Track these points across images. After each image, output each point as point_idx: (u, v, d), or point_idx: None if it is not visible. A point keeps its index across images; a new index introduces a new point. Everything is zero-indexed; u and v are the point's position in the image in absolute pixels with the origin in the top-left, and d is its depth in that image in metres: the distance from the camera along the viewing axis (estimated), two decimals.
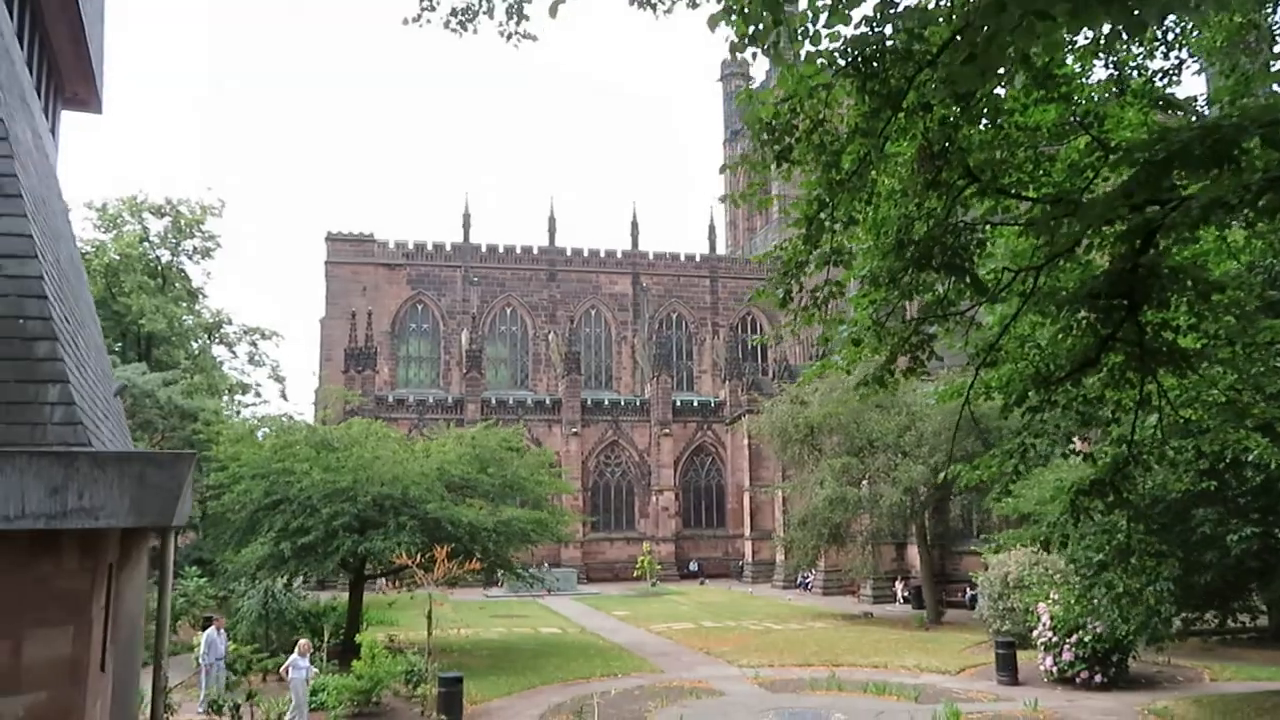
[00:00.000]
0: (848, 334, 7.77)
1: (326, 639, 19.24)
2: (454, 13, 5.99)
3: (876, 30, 5.83)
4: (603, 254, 65.75)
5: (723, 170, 7.10)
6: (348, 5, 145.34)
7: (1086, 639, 19.13)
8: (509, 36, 6.17)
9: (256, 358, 40.07)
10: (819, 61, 5.61)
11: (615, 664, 23.34)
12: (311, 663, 16.45)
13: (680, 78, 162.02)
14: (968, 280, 7.83)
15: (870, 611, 35.24)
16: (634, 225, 66.56)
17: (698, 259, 67.19)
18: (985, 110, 7.62)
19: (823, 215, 6.56)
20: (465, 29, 6.08)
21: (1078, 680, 19.32)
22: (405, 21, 6.17)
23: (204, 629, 17.95)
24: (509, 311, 64.29)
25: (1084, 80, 8.11)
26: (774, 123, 5.95)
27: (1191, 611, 15.38)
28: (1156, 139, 6.35)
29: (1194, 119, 8.75)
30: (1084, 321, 8.69)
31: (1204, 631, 19.99)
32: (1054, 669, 19.80)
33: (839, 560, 39.33)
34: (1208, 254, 9.25)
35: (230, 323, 39.78)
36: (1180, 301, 8.34)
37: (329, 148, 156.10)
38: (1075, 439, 10.50)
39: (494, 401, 56.43)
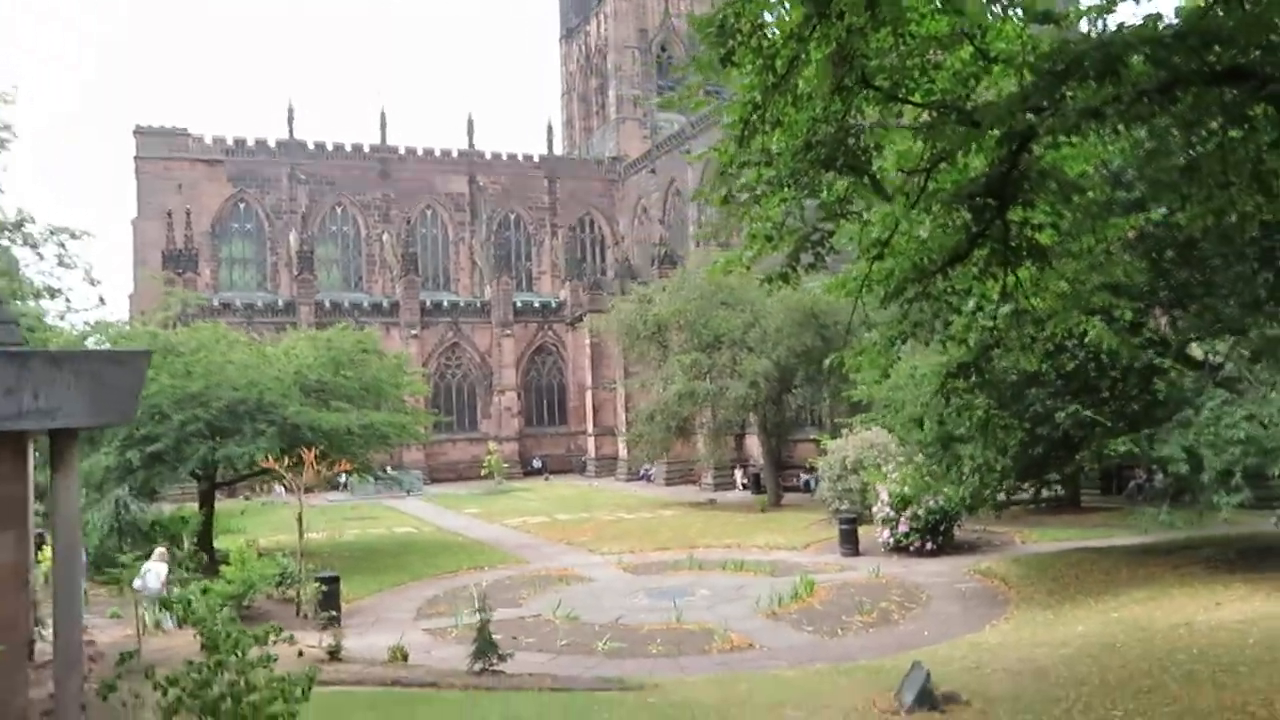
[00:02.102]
0: (760, 231, 8.18)
1: (186, 548, 18.73)
2: None
3: None
4: (438, 152, 63.77)
5: (678, 70, 7.26)
6: None
7: (920, 512, 21.04)
8: None
9: (66, 260, 36.96)
10: None
11: (479, 558, 23.86)
12: (170, 571, 16.09)
13: None
14: (867, 180, 8.39)
15: (714, 498, 37.11)
16: (469, 123, 64.81)
17: (535, 159, 66.23)
18: (888, 19, 8.07)
19: (754, 118, 6.88)
20: None
21: (911, 549, 21.29)
22: None
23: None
24: (340, 211, 61.74)
25: None
26: (722, 25, 6.17)
27: (1022, 481, 17.22)
28: (1055, 52, 6.94)
29: (1064, 33, 9.51)
30: (958, 220, 9.47)
31: (1017, 501, 22.32)
32: (891, 540, 21.70)
33: (682, 452, 40.99)
34: (1065, 158, 10.16)
35: (33, 221, 36.41)
36: (1044, 201, 9.22)
37: (138, 40, 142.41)
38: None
39: (328, 304, 54.54)
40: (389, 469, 42.03)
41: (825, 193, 8.65)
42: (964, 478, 13.68)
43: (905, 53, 8.84)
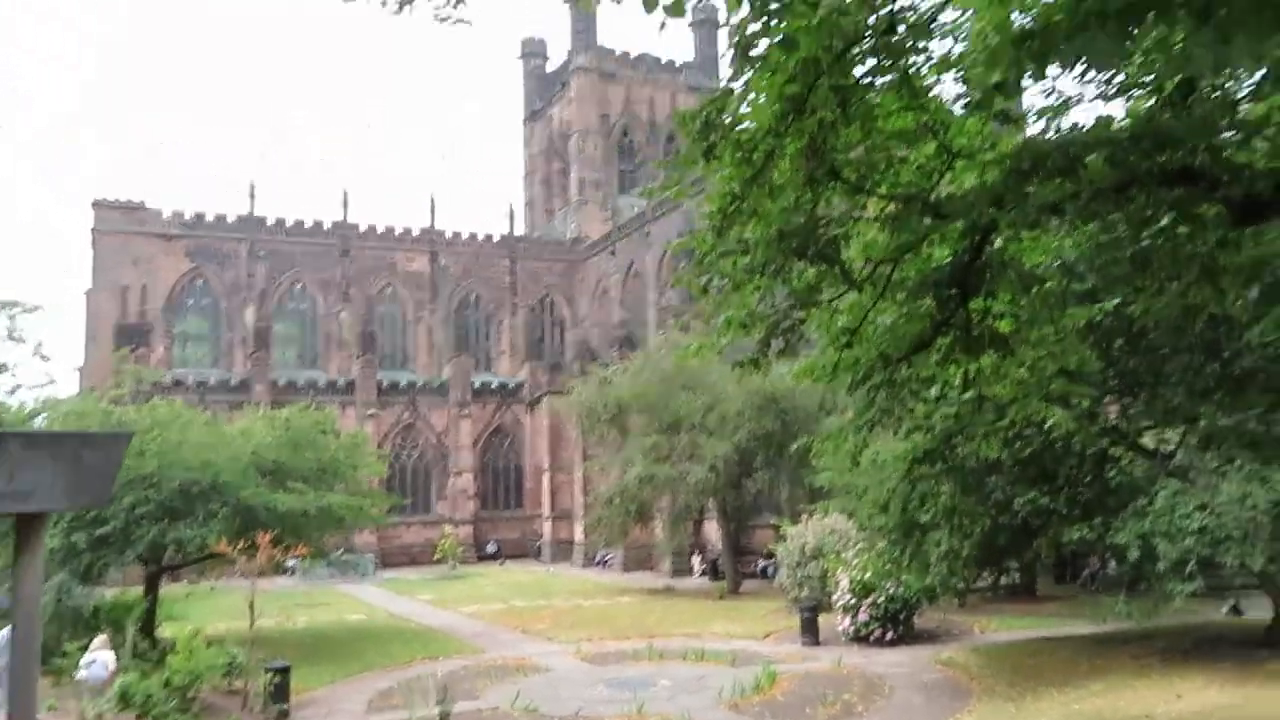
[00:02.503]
0: (734, 317, 8.33)
1: (130, 636, 18.05)
2: None
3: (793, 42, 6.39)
4: (399, 231, 64.02)
5: (659, 165, 7.47)
6: None
7: (881, 600, 20.97)
8: (444, 19, 6.26)
9: (16, 334, 36.28)
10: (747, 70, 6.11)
11: (434, 647, 23.25)
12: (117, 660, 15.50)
13: (477, 56, 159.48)
14: (837, 270, 8.61)
15: (671, 585, 36.69)
16: (432, 203, 65.80)
17: (497, 238, 66.72)
18: (857, 115, 8.40)
19: (732, 209, 7.07)
20: (401, 9, 6.10)
21: (872, 639, 21.14)
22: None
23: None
24: (299, 288, 61.44)
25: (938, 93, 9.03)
26: (705, 121, 6.39)
27: (983, 568, 17.31)
28: (1022, 150, 7.26)
29: (1021, 133, 9.96)
30: (923, 308, 9.73)
31: (976, 589, 22.39)
32: (851, 629, 21.54)
33: (640, 537, 40.63)
34: (1024, 250, 10.53)
35: None
36: (1005, 291, 9.53)
37: (102, 114, 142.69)
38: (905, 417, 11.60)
39: (283, 382, 53.92)
40: (341, 552, 41.08)
41: (796, 280, 8.86)
42: (931, 565, 13.75)
43: (872, 147, 9.18)
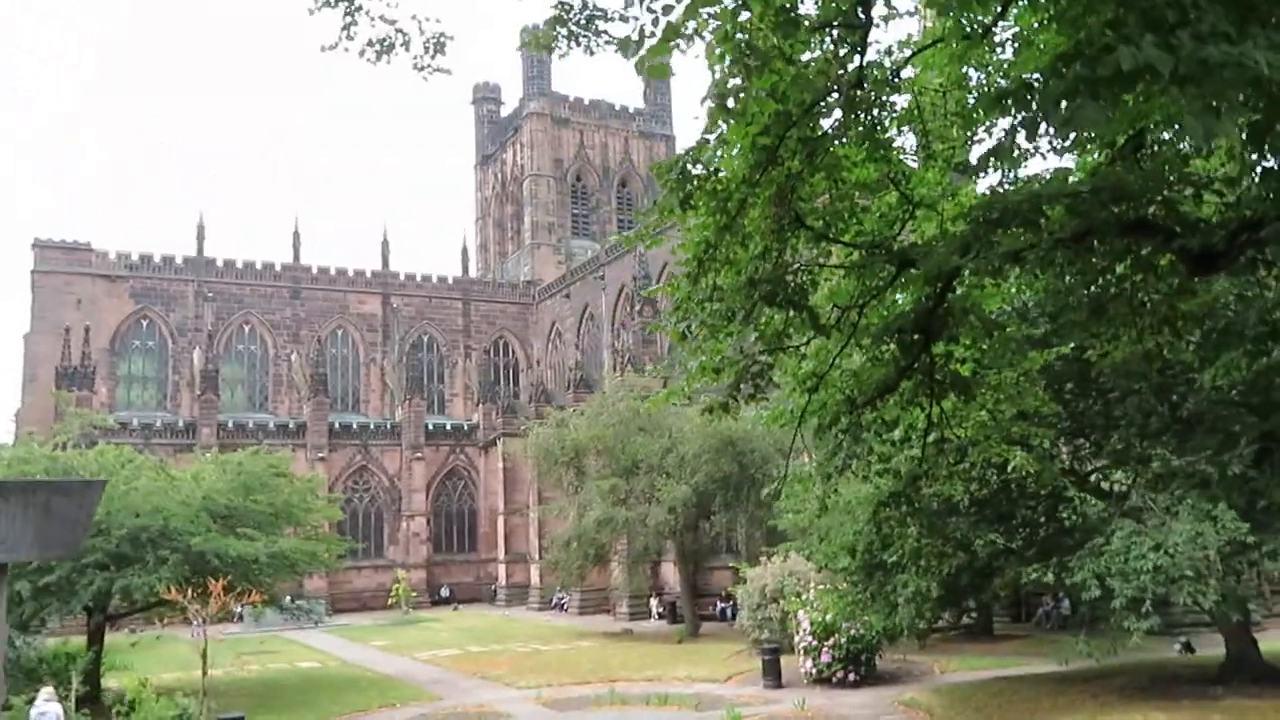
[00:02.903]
0: (707, 363, 8.42)
1: (75, 687, 17.44)
2: (370, 43, 6.05)
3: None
4: (351, 273, 63.58)
5: (641, 214, 7.56)
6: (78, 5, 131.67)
7: (843, 641, 20.99)
8: (422, 69, 6.31)
9: None
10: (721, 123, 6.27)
11: (391, 694, 22.77)
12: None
13: (430, 100, 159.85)
14: (805, 316, 8.76)
15: (630, 629, 36.38)
16: (384, 245, 64.92)
17: (450, 281, 66.54)
18: (823, 165, 8.60)
19: (706, 256, 7.18)
20: (380, 59, 6.14)
21: (834, 680, 21.13)
22: (322, 49, 6.13)
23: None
24: (248, 330, 60.58)
25: (900, 145, 9.29)
26: (683, 172, 6.51)
27: (946, 609, 17.44)
28: (991, 201, 7.49)
29: (976, 183, 10.29)
30: (887, 353, 9.91)
31: (936, 629, 22.51)
32: (813, 670, 21.51)
33: (597, 580, 40.30)
34: (985, 296, 10.79)
35: None
36: (966, 336, 9.76)
37: (46, 151, 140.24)
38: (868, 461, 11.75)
39: (231, 425, 52.98)
40: (291, 599, 40.14)
41: (765, 326, 8.98)
42: (900, 606, 13.85)
43: (837, 196, 9.38)
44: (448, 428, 59.00)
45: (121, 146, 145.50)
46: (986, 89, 9.85)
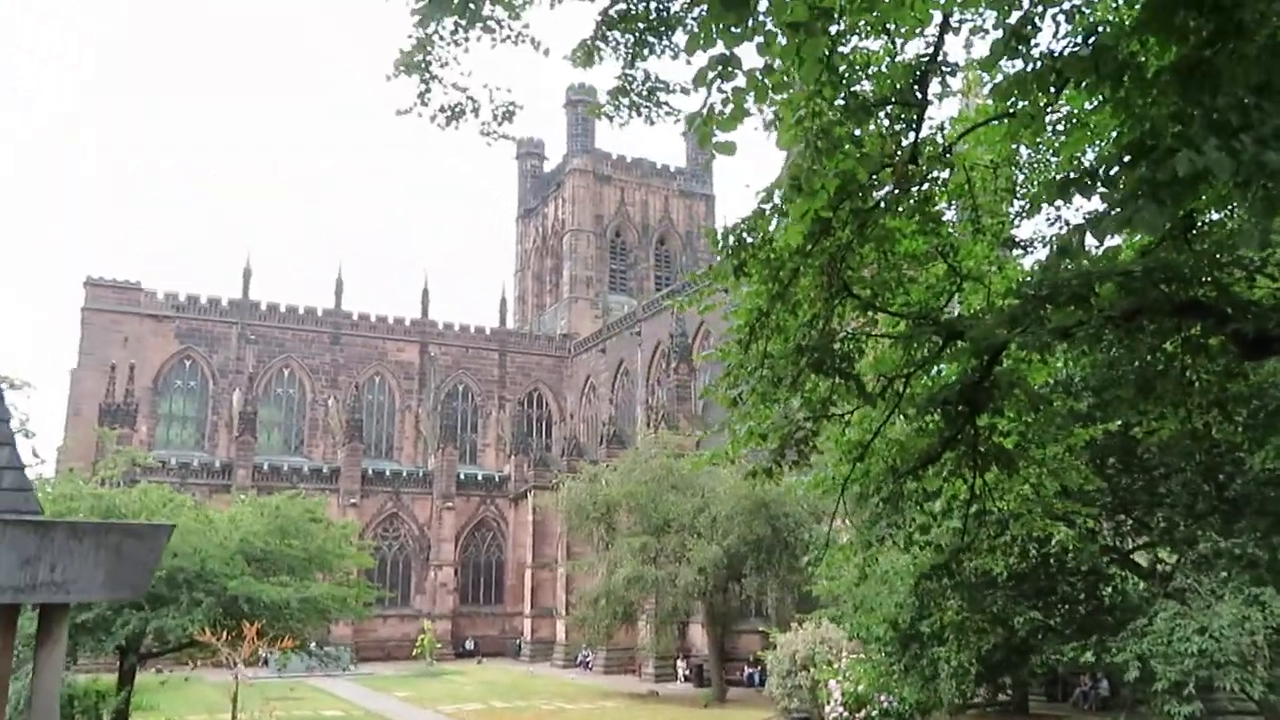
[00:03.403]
0: (755, 428, 8.48)
1: None
2: (442, 109, 6.31)
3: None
4: (391, 320, 64.43)
5: (694, 276, 7.71)
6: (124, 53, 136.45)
7: (874, 714, 20.61)
8: (488, 134, 6.56)
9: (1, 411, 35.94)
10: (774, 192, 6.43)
11: None
12: None
13: (475, 152, 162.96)
14: (852, 384, 8.82)
15: (656, 690, 35.89)
16: (424, 294, 65.77)
17: (488, 331, 67.17)
18: (873, 237, 8.74)
19: (758, 324, 7.30)
20: (450, 125, 6.40)
21: None
22: (398, 113, 6.42)
23: None
24: (287, 374, 61.41)
25: (949, 219, 9.41)
26: (734, 240, 6.68)
27: (982, 685, 17.11)
28: (1040, 277, 7.56)
29: (1024, 256, 10.38)
30: (931, 424, 9.91)
31: (972, 705, 22.03)
32: None
33: (623, 639, 39.91)
34: (1032, 370, 10.79)
35: None
36: (1011, 410, 9.75)
37: (97, 195, 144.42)
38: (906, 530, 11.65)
39: (266, 468, 53.47)
40: (318, 645, 40.08)
41: (811, 393, 9.05)
42: (939, 679, 13.62)
43: (885, 266, 9.49)
44: (479, 478, 59.10)
45: (176, 188, 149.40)
46: (1037, 167, 10.00)
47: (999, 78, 5.86)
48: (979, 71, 7.45)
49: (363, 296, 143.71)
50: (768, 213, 6.83)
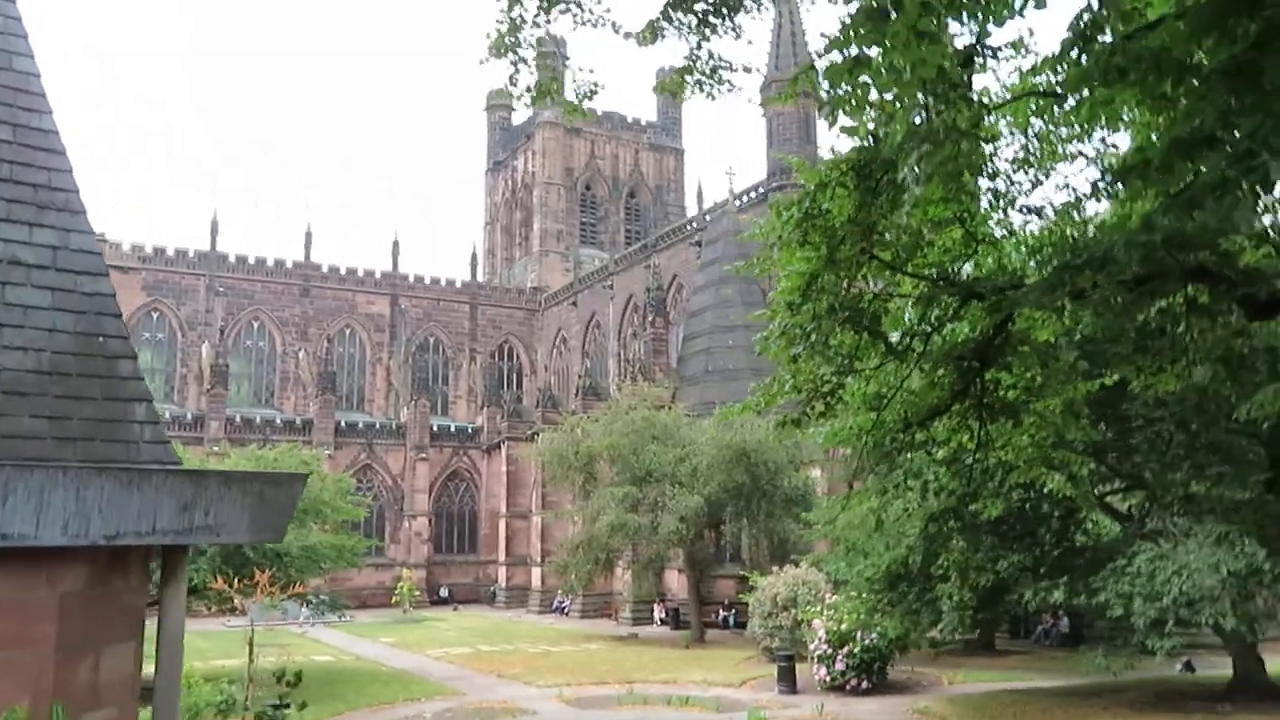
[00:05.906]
0: (798, 383, 9.09)
1: None
2: (529, 89, 6.73)
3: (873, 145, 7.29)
4: (361, 273, 64.15)
5: (761, 272, 8.29)
6: None
7: (856, 650, 21.64)
8: (573, 111, 6.99)
9: None
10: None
11: (414, 689, 23.31)
12: None
13: (444, 104, 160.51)
14: (881, 342, 9.46)
15: (635, 633, 36.96)
16: (395, 246, 65.52)
17: (458, 284, 67.15)
18: (906, 203, 9.31)
19: (809, 287, 7.86)
20: (536, 103, 6.82)
21: (848, 687, 21.76)
22: (489, 100, 6.79)
23: None
24: (257, 326, 61.05)
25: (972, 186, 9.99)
26: (807, 212, 7.21)
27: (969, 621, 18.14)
28: (1079, 247, 8.19)
29: (1040, 222, 11.00)
30: (945, 378, 10.60)
31: (945, 642, 23.18)
32: (827, 678, 22.14)
33: (600, 585, 40.90)
34: (1038, 327, 11.48)
35: None
36: (1019, 365, 10.45)
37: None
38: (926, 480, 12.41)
39: (239, 420, 53.44)
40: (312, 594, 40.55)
41: (839, 349, 9.66)
42: (944, 615, 14.52)
43: (906, 229, 10.10)
44: (452, 429, 59.52)
45: (145, 135, 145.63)
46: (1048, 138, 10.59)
47: (1063, 69, 6.39)
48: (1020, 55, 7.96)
49: (332, 249, 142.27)
50: (826, 183, 7.36)
